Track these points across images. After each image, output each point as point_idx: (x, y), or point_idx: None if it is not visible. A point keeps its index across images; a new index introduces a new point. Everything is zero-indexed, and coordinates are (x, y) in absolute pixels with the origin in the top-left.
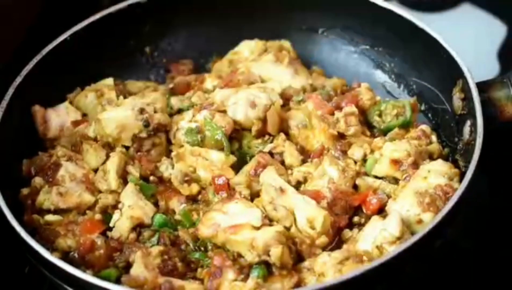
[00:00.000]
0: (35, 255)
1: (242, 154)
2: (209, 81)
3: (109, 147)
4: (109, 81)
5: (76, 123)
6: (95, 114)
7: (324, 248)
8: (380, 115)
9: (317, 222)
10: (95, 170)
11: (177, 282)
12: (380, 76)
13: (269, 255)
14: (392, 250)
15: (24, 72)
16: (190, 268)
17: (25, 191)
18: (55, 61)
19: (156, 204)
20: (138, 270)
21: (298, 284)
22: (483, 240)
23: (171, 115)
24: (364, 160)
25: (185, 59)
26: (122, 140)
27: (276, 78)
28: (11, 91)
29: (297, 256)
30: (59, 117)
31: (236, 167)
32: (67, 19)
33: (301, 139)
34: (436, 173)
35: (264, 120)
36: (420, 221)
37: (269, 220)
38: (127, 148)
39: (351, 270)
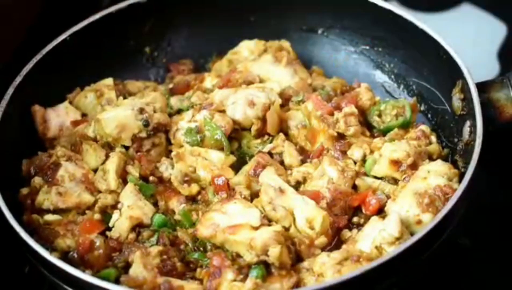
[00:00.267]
0: (34, 255)
1: (242, 154)
2: (209, 80)
3: (109, 147)
4: (109, 81)
5: (75, 123)
6: (94, 114)
7: (323, 249)
8: (379, 116)
9: (316, 223)
10: (95, 170)
11: (176, 282)
12: (380, 76)
13: (267, 255)
14: (391, 251)
15: (24, 72)
16: (189, 268)
17: (24, 191)
18: (55, 61)
19: (155, 204)
20: (137, 270)
21: (297, 284)
22: (483, 240)
23: (170, 115)
24: (364, 160)
25: (185, 59)
26: (122, 140)
27: (275, 78)
28: (11, 91)
29: (296, 256)
30: (58, 117)
31: (236, 167)
32: (67, 19)
33: (301, 139)
34: (436, 174)
35: (263, 120)
36: (419, 222)
37: (268, 220)
38: (126, 148)
39: (350, 271)
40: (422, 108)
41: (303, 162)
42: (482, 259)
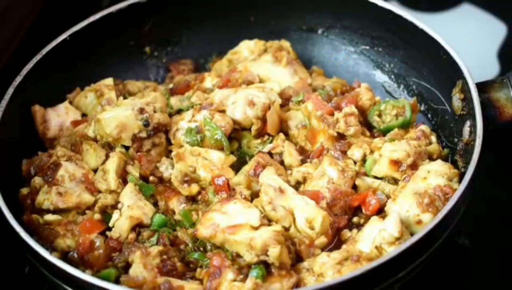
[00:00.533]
0: (34, 255)
1: (242, 154)
2: (209, 80)
3: (109, 147)
4: (109, 81)
5: (75, 123)
6: (94, 114)
7: (323, 249)
8: (379, 116)
9: (316, 223)
10: (95, 170)
11: (176, 282)
12: (380, 76)
13: (267, 255)
14: (391, 251)
15: (24, 72)
16: (189, 268)
17: (24, 191)
18: (55, 61)
19: (155, 204)
20: (137, 270)
21: (297, 284)
22: (483, 240)
23: (170, 115)
24: (364, 160)
25: (185, 59)
26: (122, 140)
27: (275, 78)
28: (11, 91)
29: (296, 256)
30: (58, 117)
31: (236, 167)
32: (67, 19)
33: (301, 139)
34: (436, 174)
35: (263, 120)
36: (419, 222)
37: (268, 220)
38: (127, 148)
39: (350, 271)
40: (422, 108)
41: (303, 162)
42: (482, 259)
